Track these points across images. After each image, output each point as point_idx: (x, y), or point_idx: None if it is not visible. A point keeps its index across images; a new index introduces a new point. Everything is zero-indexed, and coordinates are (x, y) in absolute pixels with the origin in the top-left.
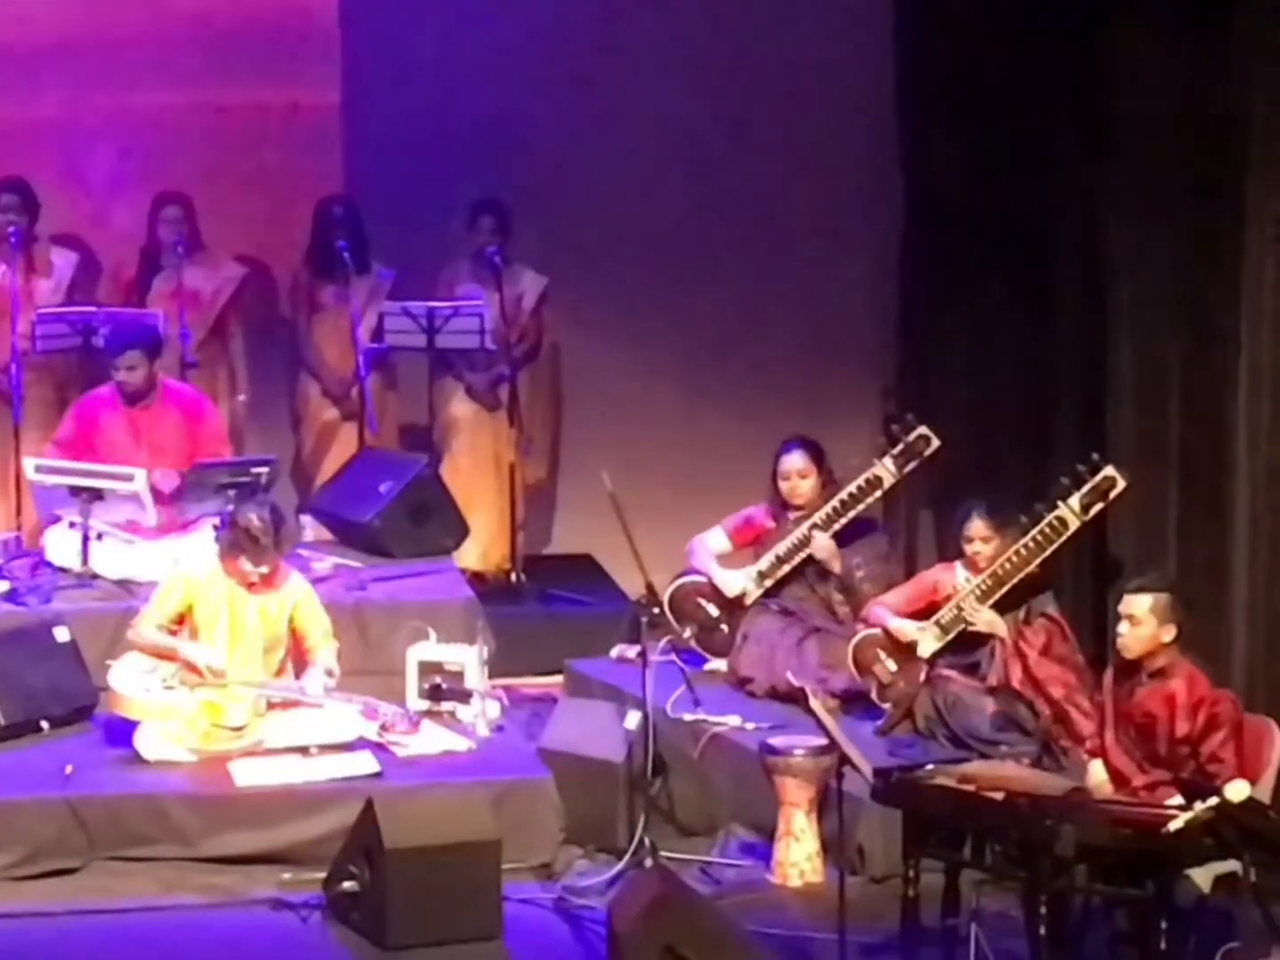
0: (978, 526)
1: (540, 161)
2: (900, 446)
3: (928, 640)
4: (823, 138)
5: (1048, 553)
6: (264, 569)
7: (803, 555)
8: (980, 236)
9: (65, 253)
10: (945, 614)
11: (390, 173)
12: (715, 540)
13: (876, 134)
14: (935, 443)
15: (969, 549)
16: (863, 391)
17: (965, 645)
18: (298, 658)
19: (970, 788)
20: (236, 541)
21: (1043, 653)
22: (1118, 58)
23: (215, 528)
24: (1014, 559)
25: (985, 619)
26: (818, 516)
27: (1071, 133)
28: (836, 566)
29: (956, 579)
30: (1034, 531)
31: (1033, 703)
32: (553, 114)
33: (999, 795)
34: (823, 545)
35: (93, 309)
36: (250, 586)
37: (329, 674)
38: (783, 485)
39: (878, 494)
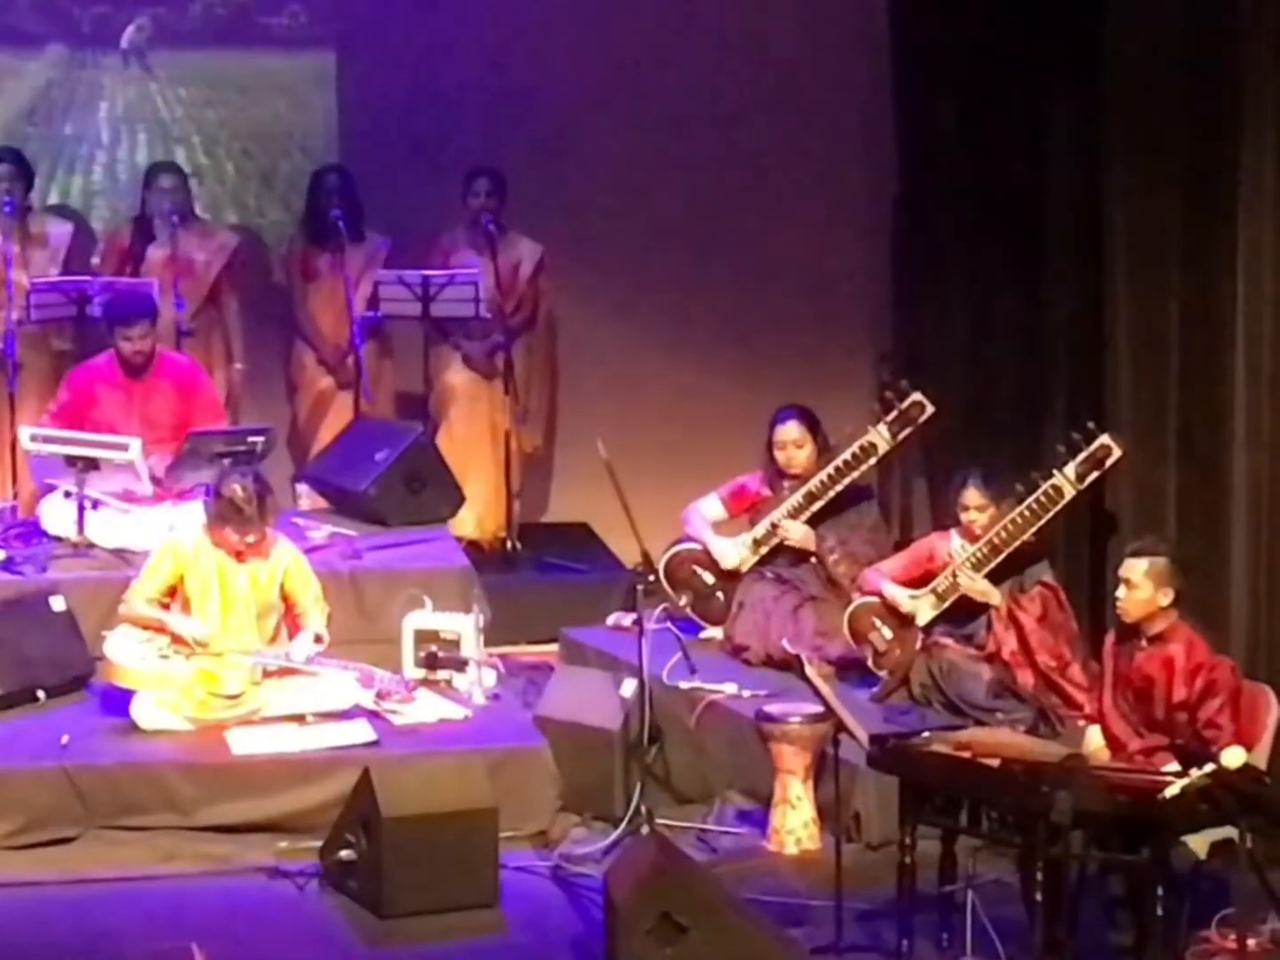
0: (973, 495)
1: (537, 129)
2: (895, 413)
3: (923, 608)
4: (817, 105)
5: (1043, 521)
6: (250, 538)
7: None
8: (975, 203)
9: (60, 222)
10: (941, 582)
11: (385, 140)
12: (710, 508)
13: (871, 102)
14: (930, 409)
15: (964, 517)
16: (858, 358)
17: (961, 612)
18: (290, 624)
19: (966, 754)
20: (221, 512)
21: (1039, 621)
22: (1114, 21)
23: (203, 499)
24: (1009, 527)
25: (980, 588)
26: (812, 484)
27: (1067, 100)
28: (812, 548)
29: (952, 546)
30: (1029, 500)
31: (1017, 676)
32: (549, 81)
33: (995, 762)
34: (795, 531)
35: (88, 278)
36: (239, 555)
37: (317, 639)
38: (779, 455)
39: (872, 461)
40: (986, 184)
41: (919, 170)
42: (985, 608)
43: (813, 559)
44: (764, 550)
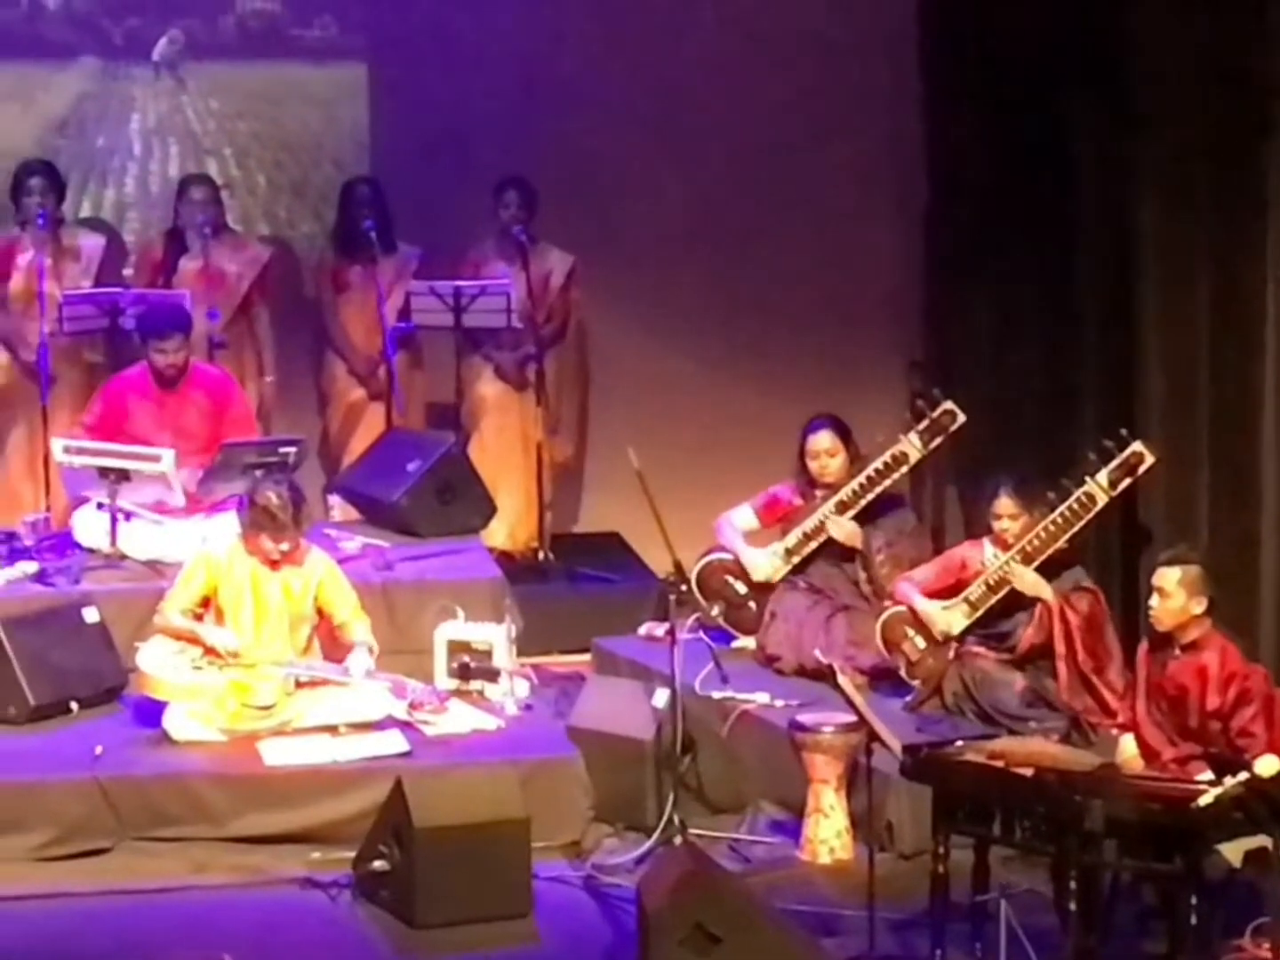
0: (1005, 504)
1: (566, 139)
2: (926, 422)
3: (956, 618)
4: (847, 114)
5: (1076, 529)
6: (285, 546)
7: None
8: (1004, 210)
9: (92, 234)
10: (974, 590)
11: (416, 151)
12: (742, 518)
13: (901, 109)
14: (961, 418)
15: (996, 526)
16: (888, 367)
17: (994, 620)
18: (327, 635)
19: (999, 764)
20: (256, 520)
21: (1085, 620)
22: (1141, 25)
23: (237, 509)
24: (1042, 535)
25: (1030, 581)
26: (844, 493)
27: (1096, 103)
28: (859, 544)
29: (984, 555)
30: (1062, 507)
31: (1056, 670)
32: (579, 92)
33: (1028, 771)
34: (842, 526)
35: (119, 289)
36: (273, 565)
37: (370, 651)
38: (811, 465)
39: (904, 470)
40: (1015, 191)
41: (947, 178)
42: (1017, 613)
43: (848, 565)
44: (796, 560)
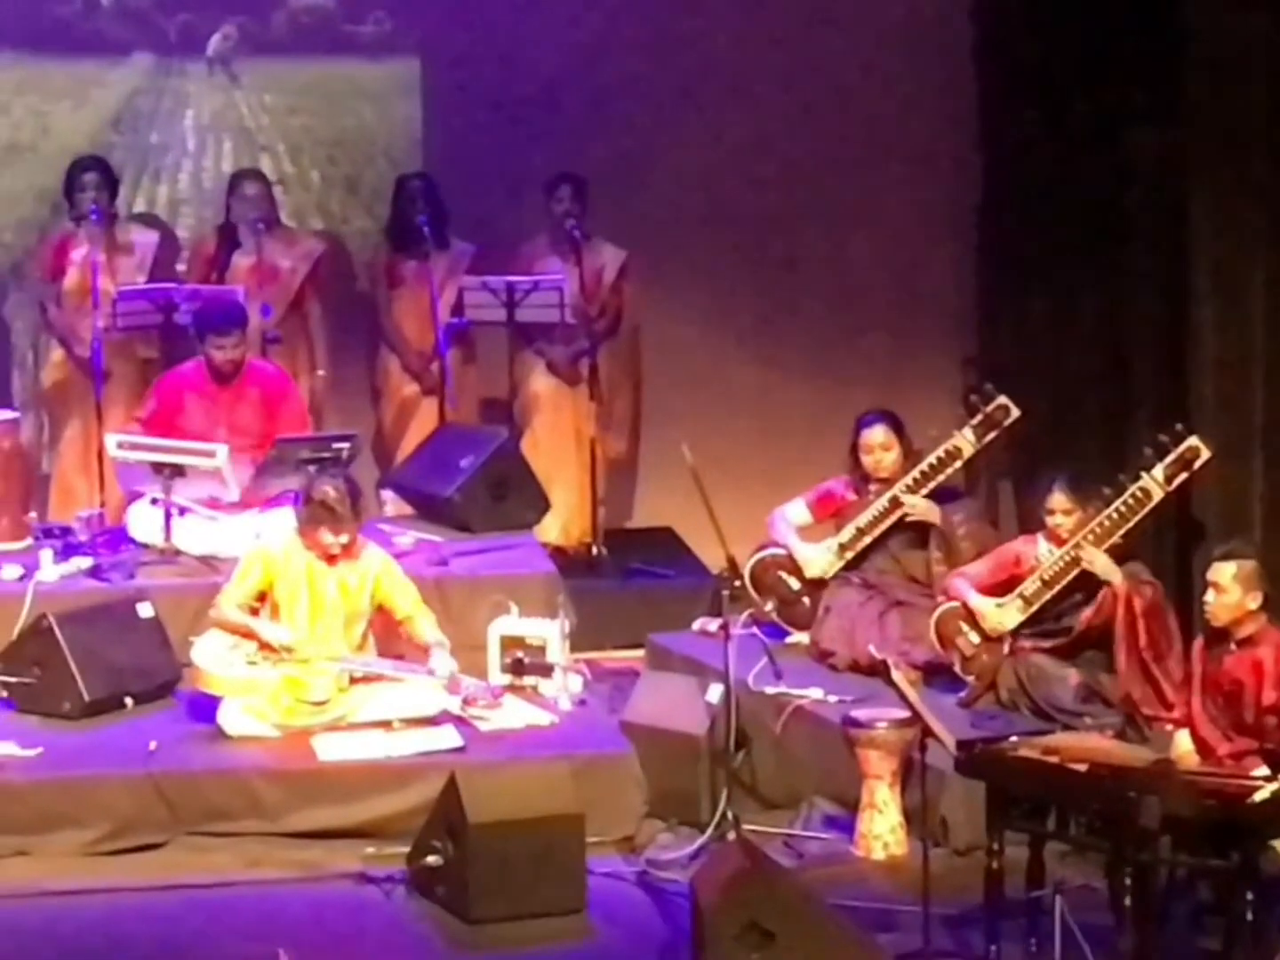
0: (1059, 499)
1: (620, 134)
2: (979, 417)
3: (1010, 614)
4: (902, 111)
5: (1131, 524)
6: (344, 538)
7: (884, 527)
8: (1058, 206)
9: (146, 229)
10: (1028, 586)
11: (469, 146)
12: (796, 513)
13: (956, 106)
14: (1015, 412)
15: (1050, 521)
16: (943, 363)
17: (1047, 616)
18: (383, 631)
19: (1054, 759)
20: (314, 514)
21: (1149, 606)
22: (1196, 15)
23: (293, 504)
24: (1097, 530)
25: (1101, 563)
26: (898, 487)
27: (1150, 95)
28: (937, 520)
29: (1038, 551)
30: (1117, 502)
31: (1116, 656)
32: (633, 87)
33: (1083, 767)
34: (918, 504)
35: (174, 285)
36: (330, 559)
37: (443, 646)
38: (865, 459)
39: (957, 464)
40: (1069, 186)
41: (1002, 175)
42: (1071, 608)
43: (911, 552)
44: (850, 555)
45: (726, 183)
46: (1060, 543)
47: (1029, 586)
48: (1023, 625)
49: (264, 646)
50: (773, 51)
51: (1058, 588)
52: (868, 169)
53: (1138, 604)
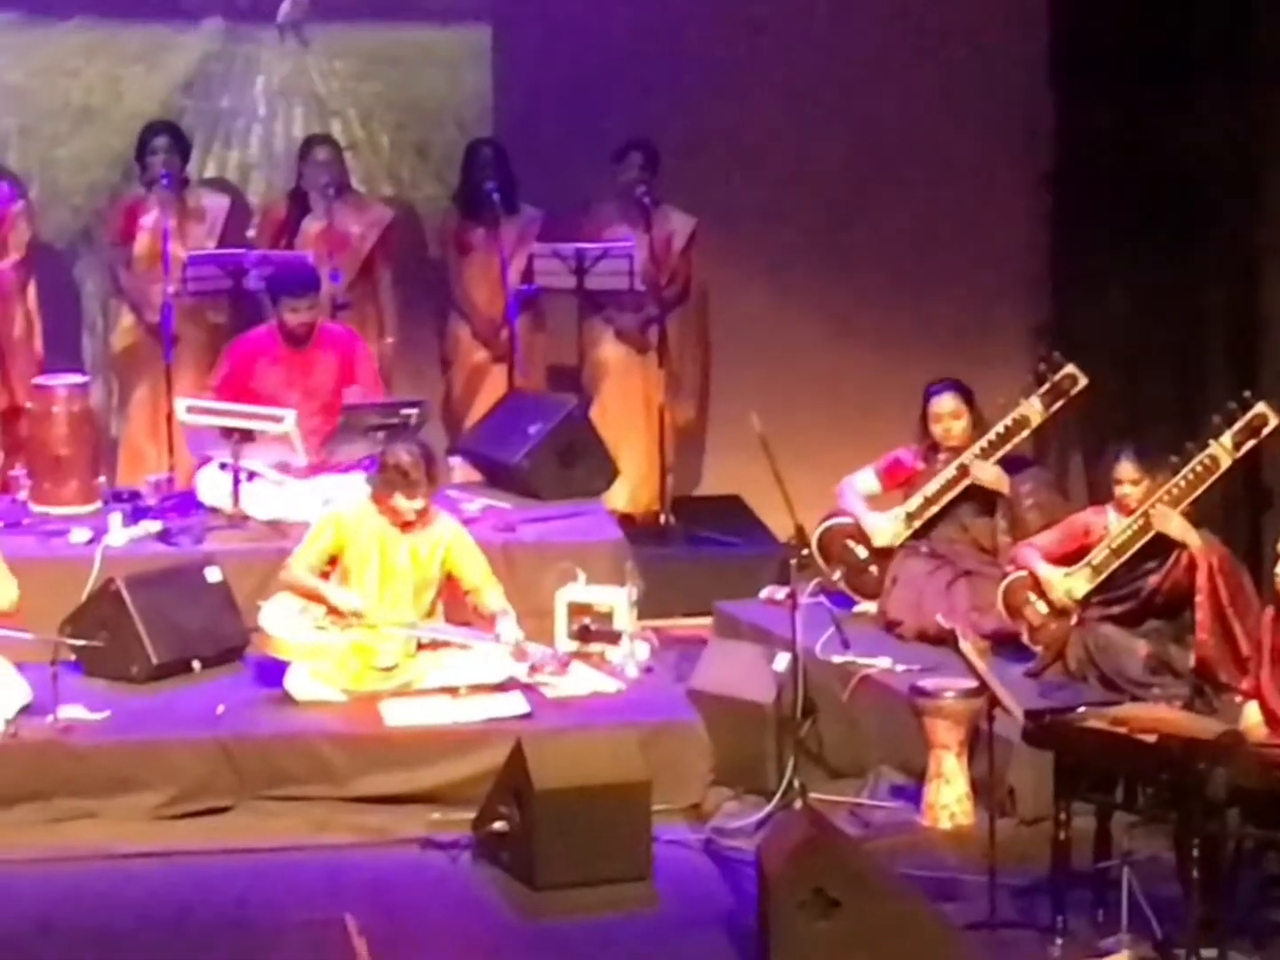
0: (1126, 469)
1: (691, 102)
2: (1047, 385)
3: (1079, 583)
4: (976, 79)
5: (1199, 491)
6: (418, 504)
7: (952, 495)
8: (1131, 179)
9: (216, 195)
10: (1097, 555)
11: (539, 113)
12: (864, 482)
13: (1030, 75)
14: (1082, 381)
15: (1118, 491)
16: (1015, 332)
17: (1116, 586)
18: (454, 600)
19: (1122, 730)
20: (389, 479)
21: (1227, 566)
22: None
23: (367, 470)
24: (1165, 499)
25: (1177, 525)
26: (966, 456)
27: (1224, 68)
28: (1005, 489)
29: (1108, 521)
30: (1185, 470)
31: (1196, 613)
32: (704, 54)
33: (1151, 738)
34: (988, 470)
35: (244, 250)
36: (403, 526)
37: (508, 615)
38: (935, 428)
39: (1025, 433)
40: (1142, 162)
41: (1075, 143)
42: (1140, 577)
43: (980, 520)
44: (917, 524)
45: (797, 151)
46: (1128, 512)
47: (1097, 555)
48: (1091, 595)
49: (333, 611)
50: (842, 16)
51: (1126, 555)
52: (940, 137)
53: (1216, 561)
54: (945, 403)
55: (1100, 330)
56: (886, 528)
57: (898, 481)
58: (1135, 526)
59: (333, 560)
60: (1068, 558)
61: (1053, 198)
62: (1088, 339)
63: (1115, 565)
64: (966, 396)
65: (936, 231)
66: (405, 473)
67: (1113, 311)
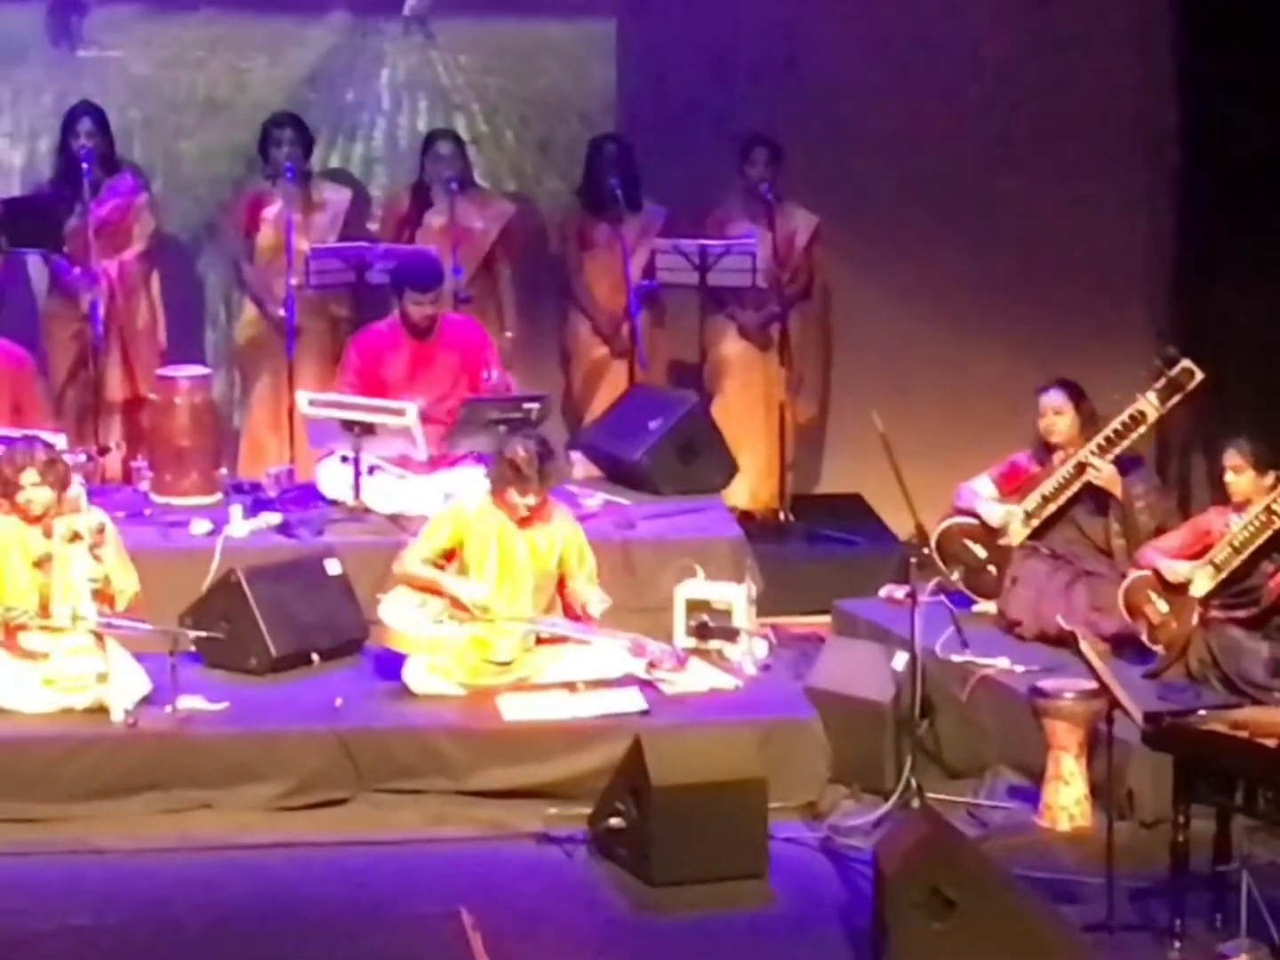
0: (1231, 456)
1: (815, 100)
2: (1163, 380)
3: (1201, 579)
4: (1100, 78)
5: None
6: (530, 500)
7: (1070, 493)
8: (1257, 177)
9: (338, 188)
10: (1219, 553)
11: (663, 109)
12: (982, 488)
13: (1153, 76)
14: (1199, 375)
15: (1227, 480)
16: (1136, 333)
17: (1237, 586)
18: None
19: (1243, 733)
20: (503, 474)
21: None
22: None
23: (485, 464)
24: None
25: None
26: (1083, 452)
27: None
28: (1118, 491)
29: (1229, 520)
30: None
31: None
32: (829, 52)
33: (1272, 742)
34: (1104, 470)
35: (367, 244)
36: (521, 522)
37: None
38: (1040, 423)
39: (1142, 429)
40: (1268, 158)
41: (1200, 146)
42: (1259, 577)
43: (1096, 519)
44: (1035, 524)
45: (920, 149)
46: (1239, 508)
47: (1219, 553)
48: (1213, 593)
49: (454, 604)
50: (968, 14)
51: (1248, 552)
52: (1063, 136)
53: None
54: (1050, 398)
55: (1226, 332)
56: (1003, 514)
57: (1015, 485)
58: (1258, 521)
59: (449, 555)
60: (1191, 559)
61: (1178, 200)
62: (1213, 341)
63: (1237, 562)
64: (1072, 393)
65: (1059, 234)
66: (518, 468)
67: (1237, 311)
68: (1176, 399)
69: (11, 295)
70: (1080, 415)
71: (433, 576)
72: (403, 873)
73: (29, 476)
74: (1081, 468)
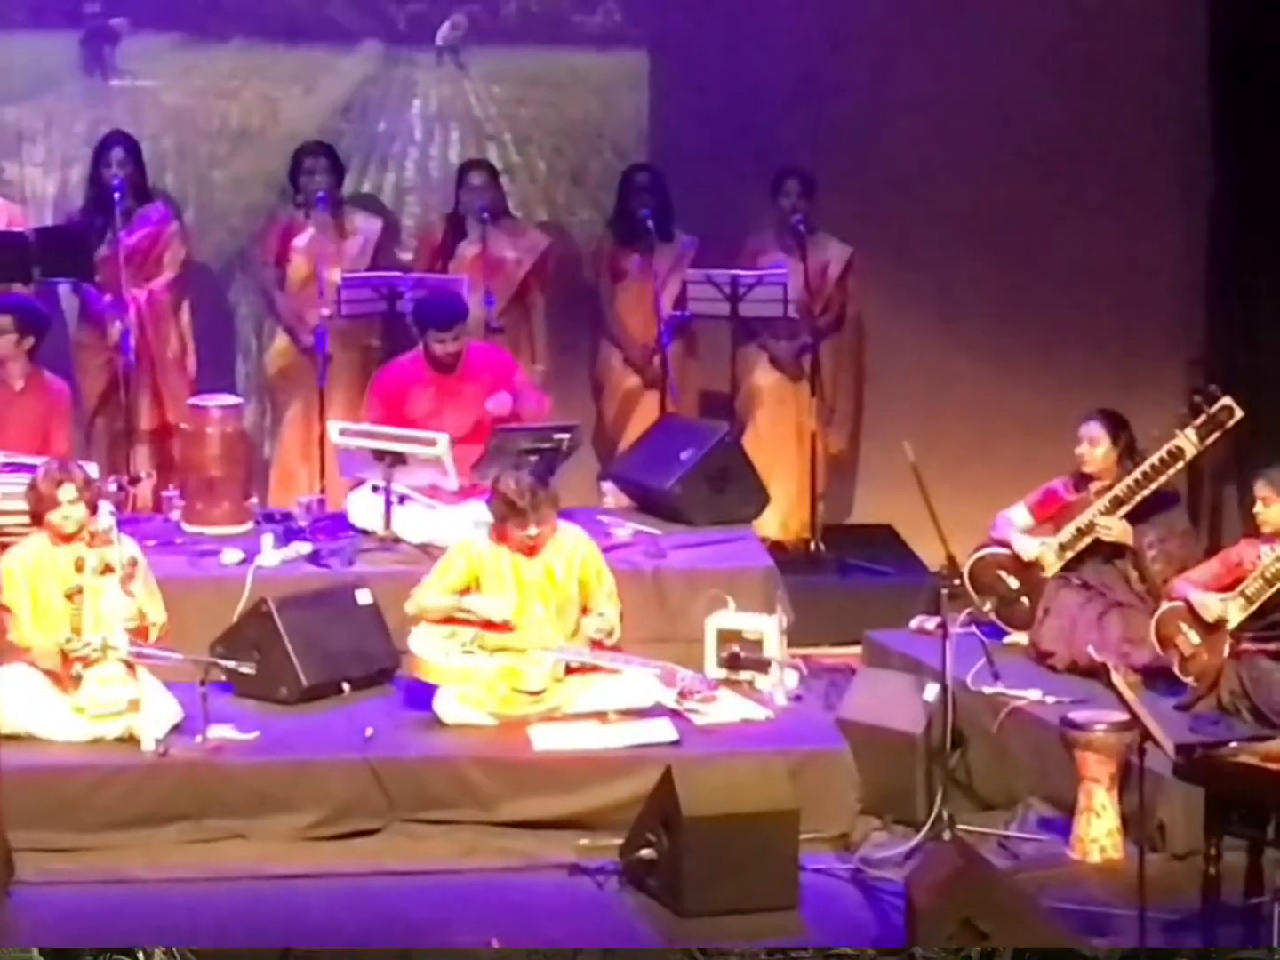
0: (1260, 486)
1: (847, 129)
2: (1203, 417)
3: (1233, 611)
4: (1130, 109)
5: None
6: (532, 531)
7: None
8: None
9: (370, 217)
10: (1250, 584)
11: (695, 140)
12: (1018, 516)
13: (1185, 105)
14: (1238, 413)
15: (1255, 511)
16: (1170, 364)
17: (1272, 615)
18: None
19: (1275, 766)
20: (499, 509)
21: None
22: None
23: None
24: None
25: None
26: (1119, 488)
27: None
28: (1129, 541)
29: (1259, 552)
30: None
31: None
32: (862, 84)
33: None
34: (1111, 528)
35: (398, 274)
36: (529, 551)
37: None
38: (1076, 450)
39: (1180, 465)
40: None
41: (1234, 174)
42: None
43: (1120, 561)
44: (1069, 555)
45: (952, 181)
46: (1269, 539)
47: (1250, 585)
48: (1244, 625)
49: (486, 626)
50: (1001, 52)
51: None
52: (1096, 168)
53: None
54: (1089, 427)
55: (1259, 360)
56: (1036, 548)
57: (1050, 513)
58: None
59: (463, 592)
60: (1223, 591)
61: (1210, 230)
62: (1246, 369)
63: (1269, 594)
64: (1110, 425)
65: (1093, 264)
66: (512, 502)
67: (1271, 341)
68: (1215, 436)
69: None
70: (1118, 447)
71: (452, 604)
72: (434, 903)
73: (67, 492)
74: (1118, 501)
